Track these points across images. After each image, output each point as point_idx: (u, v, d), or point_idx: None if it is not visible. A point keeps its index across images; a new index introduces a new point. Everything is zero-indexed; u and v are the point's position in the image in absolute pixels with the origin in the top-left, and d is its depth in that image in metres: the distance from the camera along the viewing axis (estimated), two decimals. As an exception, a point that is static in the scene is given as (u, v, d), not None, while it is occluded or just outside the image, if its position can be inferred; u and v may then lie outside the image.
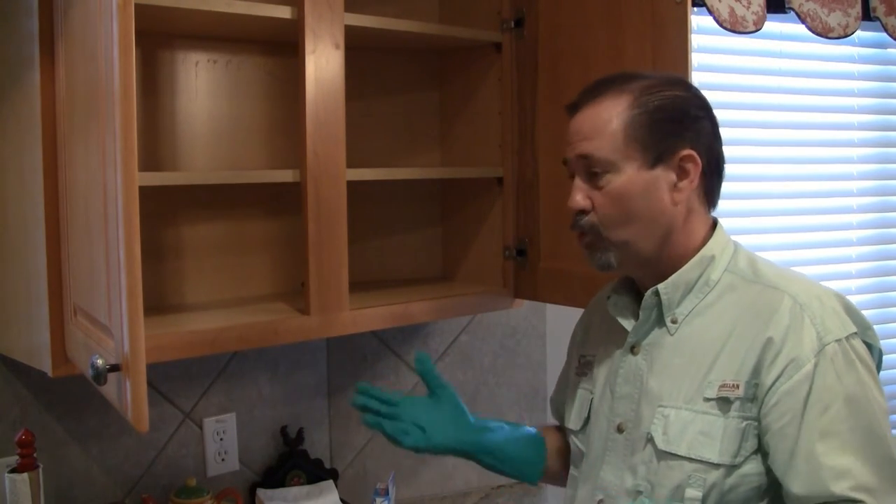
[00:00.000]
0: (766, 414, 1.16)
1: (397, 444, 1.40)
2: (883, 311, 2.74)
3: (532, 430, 1.50)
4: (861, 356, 1.18)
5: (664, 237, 1.26)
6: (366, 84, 1.97)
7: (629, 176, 1.23)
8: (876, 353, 1.23)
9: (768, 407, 1.16)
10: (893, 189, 2.77)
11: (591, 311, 1.49)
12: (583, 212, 1.26)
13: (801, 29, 2.37)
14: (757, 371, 1.17)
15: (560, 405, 1.52)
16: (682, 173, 1.25)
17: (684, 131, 1.24)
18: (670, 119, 1.24)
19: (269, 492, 1.88)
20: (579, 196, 1.26)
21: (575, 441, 1.39)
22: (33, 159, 1.38)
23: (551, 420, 1.60)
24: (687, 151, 1.24)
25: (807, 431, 1.13)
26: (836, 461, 1.12)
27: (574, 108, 1.29)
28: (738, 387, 1.18)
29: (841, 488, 1.11)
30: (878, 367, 1.23)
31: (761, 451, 1.18)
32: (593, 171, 1.25)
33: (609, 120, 1.24)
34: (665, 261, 1.27)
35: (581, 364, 1.44)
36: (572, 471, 1.40)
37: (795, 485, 1.13)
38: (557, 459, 1.50)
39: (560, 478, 1.49)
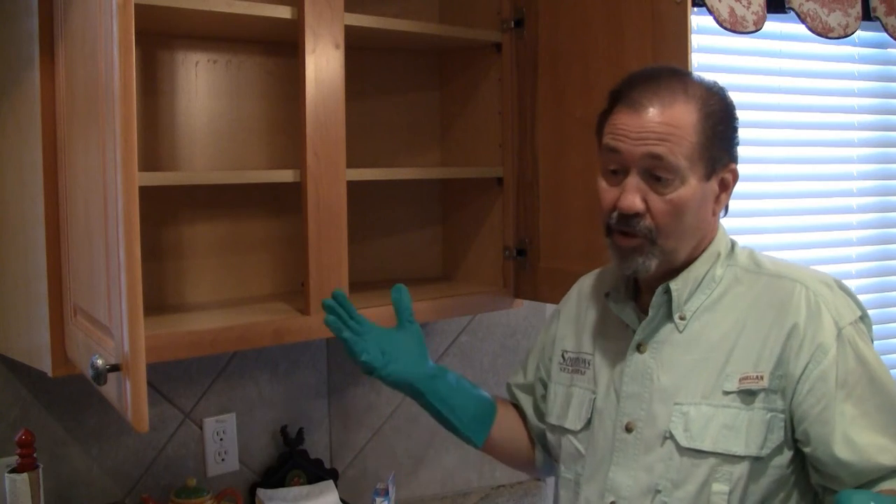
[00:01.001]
0: (801, 402, 1.18)
1: (355, 358, 1.38)
2: (883, 311, 2.75)
3: (488, 395, 1.49)
4: (868, 336, 1.24)
5: (696, 245, 1.28)
6: (366, 84, 1.97)
7: (693, 187, 1.21)
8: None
9: (802, 395, 1.18)
10: (893, 189, 2.77)
11: (574, 306, 1.47)
12: (637, 215, 1.22)
13: (801, 29, 2.37)
14: (782, 362, 1.19)
15: (527, 390, 1.51)
16: (723, 187, 1.27)
17: (732, 144, 1.27)
18: (726, 133, 1.25)
19: (269, 492, 1.88)
20: (633, 197, 1.21)
21: (573, 441, 1.37)
22: (33, 159, 1.38)
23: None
24: (733, 166, 1.26)
25: (841, 415, 1.16)
26: (873, 439, 1.16)
27: (631, 100, 1.22)
28: (762, 378, 1.19)
29: (888, 459, 1.15)
30: None
31: (787, 442, 1.20)
32: (657, 174, 1.20)
33: (685, 127, 1.20)
34: (682, 263, 1.28)
35: (566, 360, 1.42)
36: (565, 472, 1.38)
37: (849, 472, 1.16)
38: (504, 430, 1.49)
39: (501, 451, 1.49)
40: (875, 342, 1.32)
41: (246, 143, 1.84)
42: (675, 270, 1.27)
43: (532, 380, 1.52)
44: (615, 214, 1.23)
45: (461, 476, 2.22)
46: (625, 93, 1.24)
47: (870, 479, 1.16)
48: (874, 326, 1.30)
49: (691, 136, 1.20)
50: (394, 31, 1.75)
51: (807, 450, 1.19)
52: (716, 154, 1.23)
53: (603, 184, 1.27)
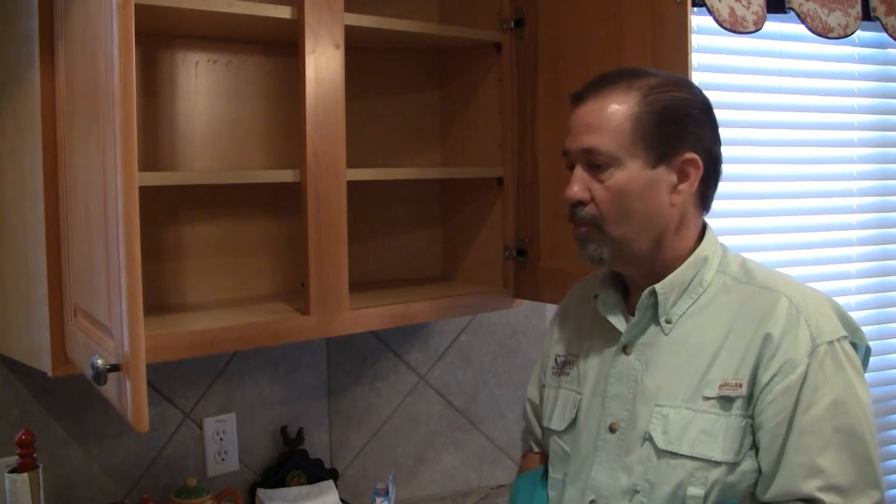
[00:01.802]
0: (762, 411, 1.18)
1: None
2: (883, 311, 2.74)
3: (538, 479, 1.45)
4: (850, 358, 1.21)
5: (658, 238, 1.27)
6: (366, 84, 1.97)
7: (631, 173, 1.23)
8: (863, 351, 1.26)
9: (764, 404, 1.18)
10: (893, 189, 2.77)
11: (567, 309, 1.49)
12: (581, 203, 1.26)
13: (801, 29, 2.37)
14: (755, 369, 1.19)
15: (537, 409, 1.51)
16: (683, 176, 1.25)
17: (689, 134, 1.25)
18: (676, 120, 1.24)
19: (269, 492, 1.88)
20: (577, 187, 1.26)
21: (558, 442, 1.38)
22: (33, 159, 1.38)
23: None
24: (690, 155, 1.24)
25: (793, 430, 1.16)
26: (812, 459, 1.15)
27: (579, 98, 1.28)
28: (741, 385, 1.20)
29: (809, 488, 1.15)
30: (866, 365, 1.27)
31: (755, 446, 1.20)
32: (594, 162, 1.24)
33: (616, 114, 1.23)
34: (658, 261, 1.28)
35: (558, 363, 1.43)
36: (553, 473, 1.39)
37: (771, 486, 1.17)
38: None
39: None
40: (875, 343, 1.31)
41: (246, 143, 1.84)
42: (662, 274, 1.28)
43: (539, 393, 1.52)
44: (568, 207, 1.28)
45: (461, 476, 2.22)
46: (576, 94, 1.30)
47: (778, 500, 1.17)
48: (873, 327, 1.30)
49: (625, 123, 1.23)
50: (394, 31, 1.75)
51: (758, 456, 1.20)
52: (660, 141, 1.23)
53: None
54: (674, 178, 1.25)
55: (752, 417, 1.19)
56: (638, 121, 1.23)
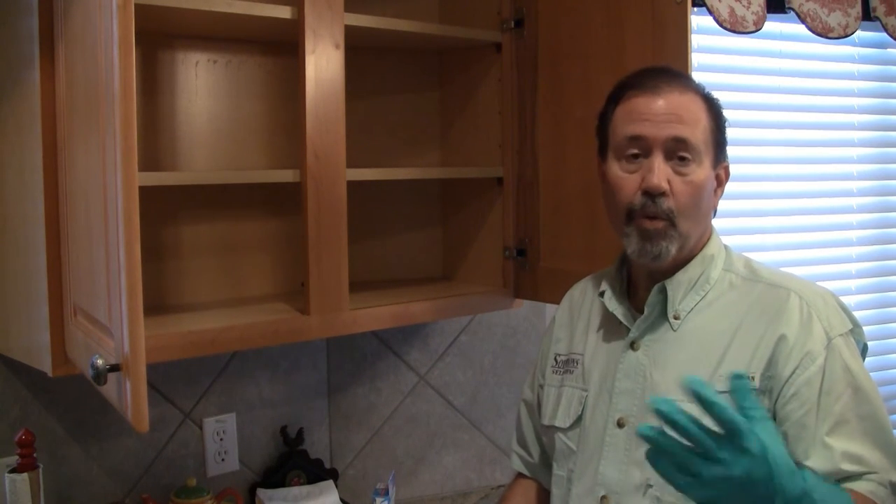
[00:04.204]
0: (785, 404, 1.20)
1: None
2: (883, 311, 2.73)
3: None
4: (856, 349, 1.26)
5: (699, 237, 1.30)
6: (366, 84, 1.97)
7: (706, 171, 1.26)
8: (860, 347, 1.28)
9: (786, 398, 1.20)
10: (893, 189, 2.77)
11: (568, 309, 1.50)
12: (663, 194, 1.24)
13: (801, 29, 2.37)
14: (771, 364, 1.21)
15: (532, 408, 1.52)
16: (718, 181, 1.31)
17: (726, 143, 1.31)
18: (724, 128, 1.31)
19: (269, 492, 1.88)
20: (663, 176, 1.24)
21: (562, 439, 1.39)
22: (33, 159, 1.38)
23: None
24: (726, 163, 1.31)
25: (823, 420, 1.18)
26: (848, 447, 1.17)
27: (646, 88, 1.27)
28: (753, 379, 1.21)
29: (852, 468, 1.17)
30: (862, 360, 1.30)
31: None
32: (681, 155, 1.24)
33: (701, 111, 1.27)
34: (680, 259, 1.30)
35: (558, 363, 1.44)
36: (557, 470, 1.40)
37: (812, 461, 1.17)
38: None
39: None
40: (874, 342, 1.32)
41: (246, 143, 1.84)
42: (670, 271, 1.30)
43: (535, 394, 1.52)
44: (638, 197, 1.26)
45: (461, 476, 2.22)
46: (635, 83, 1.29)
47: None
48: (874, 327, 1.31)
49: (704, 120, 1.26)
50: (394, 31, 1.75)
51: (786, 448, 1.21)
52: (720, 145, 1.29)
53: (620, 172, 1.29)
54: (714, 182, 1.30)
55: (768, 411, 1.20)
56: (711, 120, 1.27)
